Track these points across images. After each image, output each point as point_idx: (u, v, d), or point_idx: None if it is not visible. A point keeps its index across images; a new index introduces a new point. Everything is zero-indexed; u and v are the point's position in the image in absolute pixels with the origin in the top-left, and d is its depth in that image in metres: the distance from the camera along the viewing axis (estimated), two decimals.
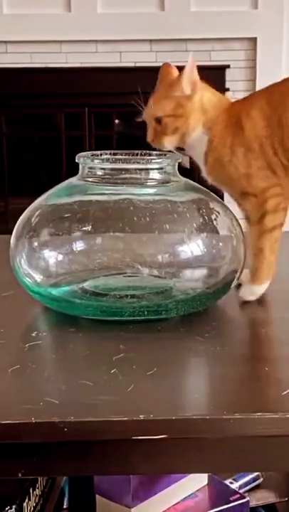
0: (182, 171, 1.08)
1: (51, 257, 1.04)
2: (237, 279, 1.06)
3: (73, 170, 1.09)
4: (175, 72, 1.10)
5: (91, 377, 0.83)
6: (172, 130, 1.06)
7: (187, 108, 1.06)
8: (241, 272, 1.06)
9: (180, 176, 1.07)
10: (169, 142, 1.07)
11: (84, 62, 3.69)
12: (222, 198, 1.13)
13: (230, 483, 1.30)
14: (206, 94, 1.08)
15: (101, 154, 1.07)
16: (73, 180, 1.07)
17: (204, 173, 1.10)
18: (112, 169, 1.03)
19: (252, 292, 1.07)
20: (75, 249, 1.04)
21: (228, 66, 3.67)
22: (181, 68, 1.08)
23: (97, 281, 1.07)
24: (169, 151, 1.08)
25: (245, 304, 1.08)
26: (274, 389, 0.81)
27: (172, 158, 1.04)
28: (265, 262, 1.05)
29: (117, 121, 3.73)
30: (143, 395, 0.80)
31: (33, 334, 0.96)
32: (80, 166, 1.05)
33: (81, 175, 1.05)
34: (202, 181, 1.11)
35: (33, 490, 1.07)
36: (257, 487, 1.35)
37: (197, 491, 1.22)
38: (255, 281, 1.07)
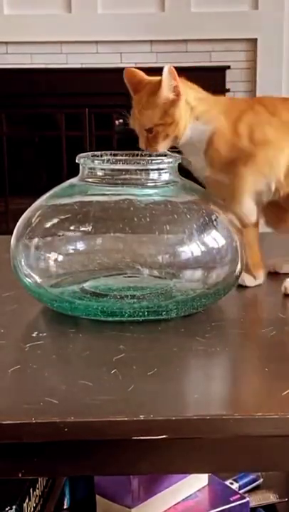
0: (182, 171, 1.09)
1: (51, 257, 1.04)
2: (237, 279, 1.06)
3: (74, 170, 1.10)
4: (141, 75, 1.09)
5: (91, 378, 0.83)
6: (164, 136, 1.06)
7: (175, 114, 1.05)
8: (241, 272, 1.06)
9: (180, 177, 1.07)
10: (163, 147, 1.07)
11: (84, 63, 3.69)
12: None
13: (231, 483, 1.30)
14: (190, 93, 1.08)
15: (101, 155, 1.07)
16: (74, 180, 1.07)
17: (201, 166, 1.09)
18: (113, 170, 1.03)
19: (252, 281, 1.13)
20: (75, 249, 1.04)
21: (228, 67, 3.67)
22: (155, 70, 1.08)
23: (97, 281, 1.07)
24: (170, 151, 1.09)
25: (244, 304, 1.08)
26: (274, 389, 0.81)
27: (173, 159, 1.05)
28: (257, 255, 1.13)
29: (117, 121, 3.73)
30: (143, 395, 0.80)
31: (34, 334, 0.96)
32: (81, 167, 1.06)
33: (81, 175, 1.05)
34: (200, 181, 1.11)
35: (34, 490, 1.07)
36: (257, 487, 1.35)
37: (197, 491, 1.22)
38: (256, 271, 1.13)
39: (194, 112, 1.08)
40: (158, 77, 1.05)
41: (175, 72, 1.04)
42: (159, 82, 1.04)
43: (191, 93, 1.09)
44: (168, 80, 1.04)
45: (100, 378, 0.83)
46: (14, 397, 0.80)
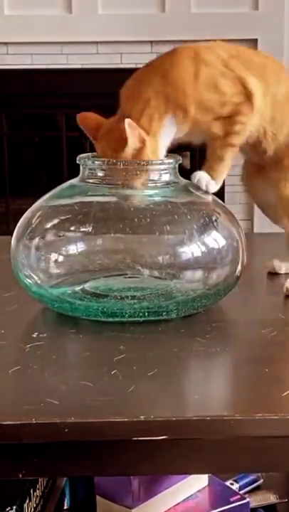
0: (183, 172, 1.09)
1: (52, 258, 1.04)
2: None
3: (74, 171, 1.10)
4: (96, 119, 1.06)
5: (92, 378, 0.83)
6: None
7: (146, 156, 1.01)
8: (241, 272, 1.06)
9: (181, 177, 1.07)
10: (142, 182, 1.03)
11: (85, 64, 3.69)
12: (222, 199, 1.13)
13: (231, 484, 1.30)
14: (147, 125, 1.03)
15: None
16: (74, 181, 1.07)
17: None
18: (113, 170, 1.03)
19: (209, 184, 1.06)
20: (75, 250, 1.05)
21: None
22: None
23: (97, 282, 1.07)
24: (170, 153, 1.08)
25: (245, 304, 1.08)
26: (274, 390, 0.81)
27: (173, 160, 1.04)
28: (224, 168, 1.08)
29: None
30: (143, 395, 0.80)
31: (34, 335, 0.96)
32: (81, 167, 1.06)
33: (82, 176, 1.05)
34: None
35: (34, 491, 1.07)
36: (257, 488, 1.35)
37: (198, 491, 1.22)
38: (216, 178, 1.07)
39: (161, 134, 1.03)
40: (114, 123, 1.02)
41: (133, 123, 1.00)
42: (120, 134, 0.99)
43: (147, 124, 1.03)
44: (132, 135, 0.99)
45: (100, 379, 0.83)
46: (14, 398, 0.80)
